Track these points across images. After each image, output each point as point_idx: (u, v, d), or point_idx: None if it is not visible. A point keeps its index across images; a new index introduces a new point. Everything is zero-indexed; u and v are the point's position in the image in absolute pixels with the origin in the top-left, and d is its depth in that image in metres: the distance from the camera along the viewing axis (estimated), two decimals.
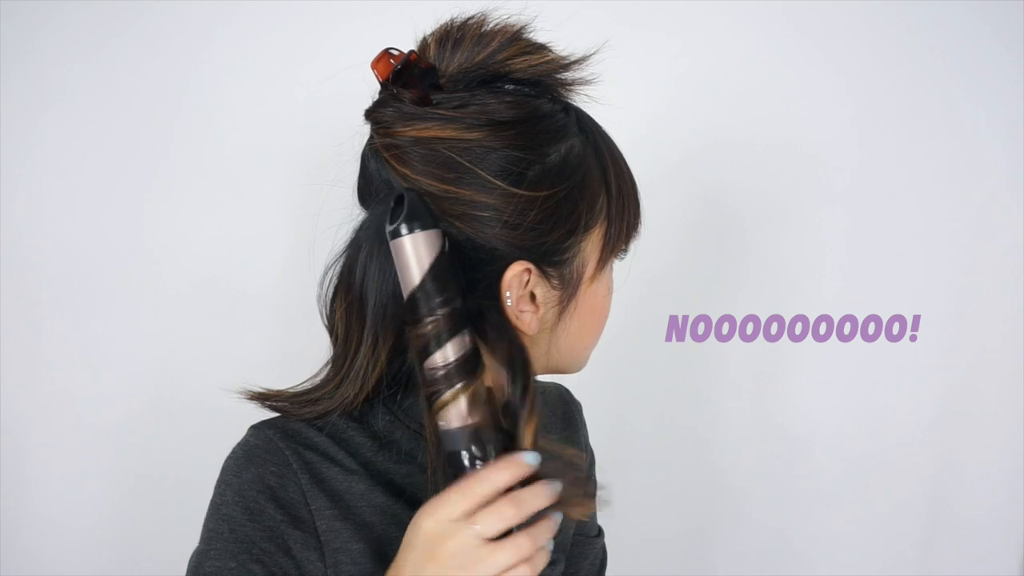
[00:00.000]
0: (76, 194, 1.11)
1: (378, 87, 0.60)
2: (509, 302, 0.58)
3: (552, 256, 0.58)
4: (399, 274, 0.56)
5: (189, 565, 0.59)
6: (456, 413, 0.54)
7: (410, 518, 0.55)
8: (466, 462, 0.54)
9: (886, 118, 1.15)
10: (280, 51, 1.11)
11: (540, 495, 0.53)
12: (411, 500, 0.61)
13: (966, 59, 1.14)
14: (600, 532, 0.81)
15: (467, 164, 0.55)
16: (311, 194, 1.05)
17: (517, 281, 0.58)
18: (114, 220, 1.12)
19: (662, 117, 1.11)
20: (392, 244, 0.55)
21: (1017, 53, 1.12)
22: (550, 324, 0.61)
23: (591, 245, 0.61)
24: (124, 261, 1.12)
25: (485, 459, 0.54)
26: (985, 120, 1.15)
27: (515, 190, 0.55)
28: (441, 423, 0.55)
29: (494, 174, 0.55)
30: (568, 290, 0.60)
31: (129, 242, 1.12)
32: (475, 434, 0.54)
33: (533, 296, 0.59)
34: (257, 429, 0.61)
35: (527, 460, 0.53)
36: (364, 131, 0.62)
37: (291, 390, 0.63)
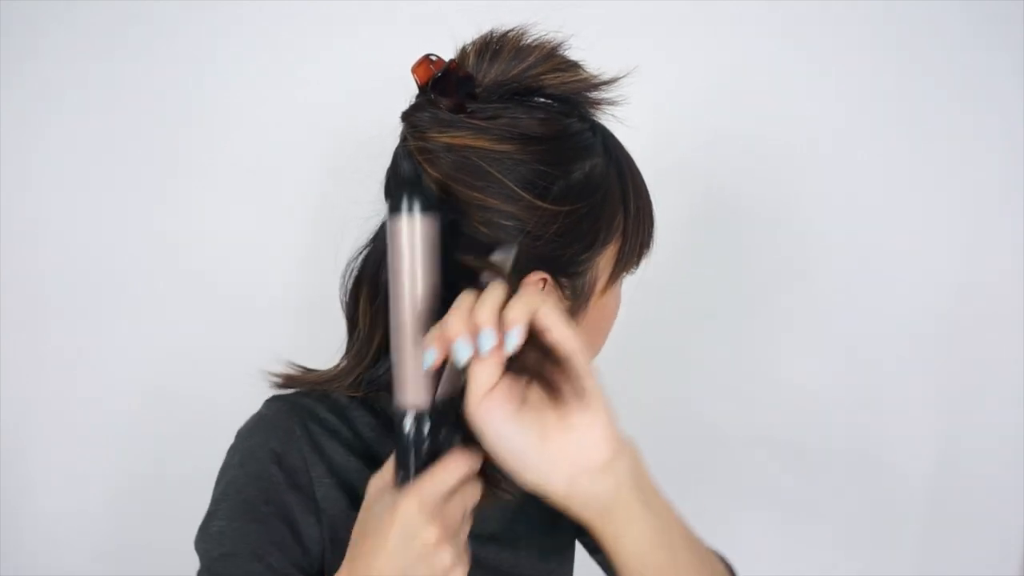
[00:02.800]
0: (79, 193, 1.12)
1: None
2: None
3: (568, 268, 0.61)
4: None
5: (201, 524, 0.62)
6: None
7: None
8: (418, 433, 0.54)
9: (887, 118, 1.16)
10: (288, 51, 1.11)
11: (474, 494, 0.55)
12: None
13: (967, 59, 1.14)
14: None
15: (495, 174, 0.58)
16: (313, 193, 1.06)
17: (533, 289, 0.60)
18: (115, 219, 1.13)
19: (662, 116, 1.11)
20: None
21: (1017, 52, 1.13)
22: None
23: (605, 260, 0.63)
24: (125, 260, 1.13)
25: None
26: (985, 120, 1.15)
27: (539, 203, 0.58)
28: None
29: (520, 186, 0.58)
30: (579, 301, 0.63)
31: (129, 241, 1.13)
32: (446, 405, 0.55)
33: None
34: (270, 401, 0.66)
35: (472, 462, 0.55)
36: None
37: (312, 371, 0.67)
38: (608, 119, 0.66)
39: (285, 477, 0.61)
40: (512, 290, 0.51)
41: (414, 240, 0.53)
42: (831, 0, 1.13)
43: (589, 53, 0.64)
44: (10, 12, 1.06)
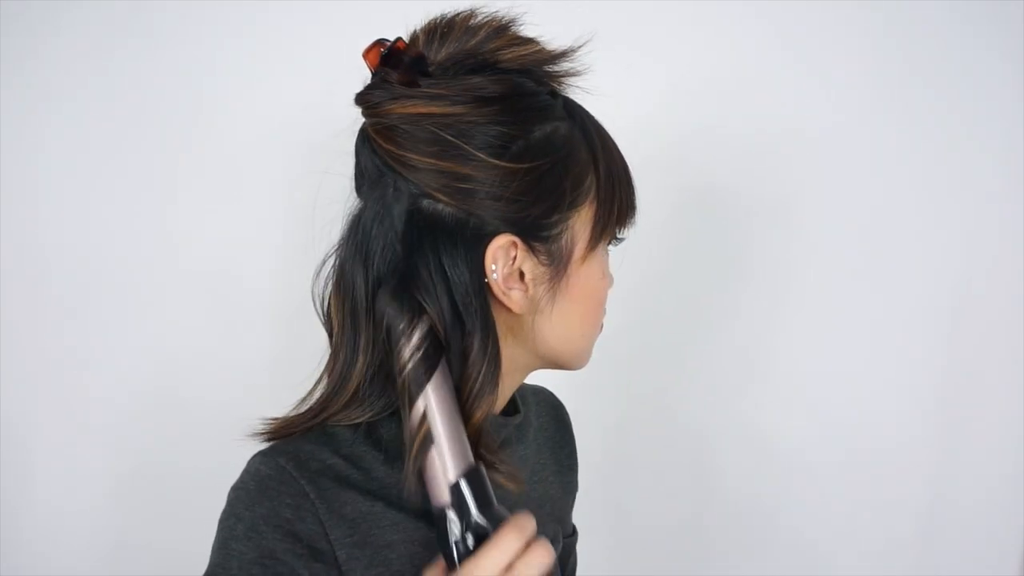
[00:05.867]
0: (77, 193, 1.13)
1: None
2: (495, 275, 0.58)
3: (539, 231, 0.59)
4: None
5: None
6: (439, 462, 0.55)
7: (427, 533, 0.58)
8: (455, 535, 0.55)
9: (886, 114, 1.14)
10: (276, 50, 1.13)
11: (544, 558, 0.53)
12: (427, 514, 0.60)
13: (966, 54, 1.13)
14: (574, 531, 0.81)
15: (450, 138, 0.57)
16: (309, 191, 1.07)
17: (503, 254, 0.58)
18: (113, 219, 1.13)
19: (655, 107, 1.12)
20: None
21: (1017, 48, 1.12)
22: (543, 306, 0.61)
23: (580, 223, 0.61)
24: (126, 260, 1.14)
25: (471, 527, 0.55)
26: (985, 116, 1.13)
27: (495, 161, 0.57)
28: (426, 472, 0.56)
29: (476, 147, 0.57)
30: (556, 267, 0.61)
31: (129, 241, 1.14)
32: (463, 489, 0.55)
33: (522, 275, 0.60)
34: (267, 457, 0.59)
35: (529, 525, 0.54)
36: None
37: (295, 414, 0.63)
38: (576, 93, 0.65)
39: (303, 548, 0.56)
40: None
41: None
42: None
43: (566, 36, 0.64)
44: (11, 12, 1.09)
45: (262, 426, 0.62)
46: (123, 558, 1.15)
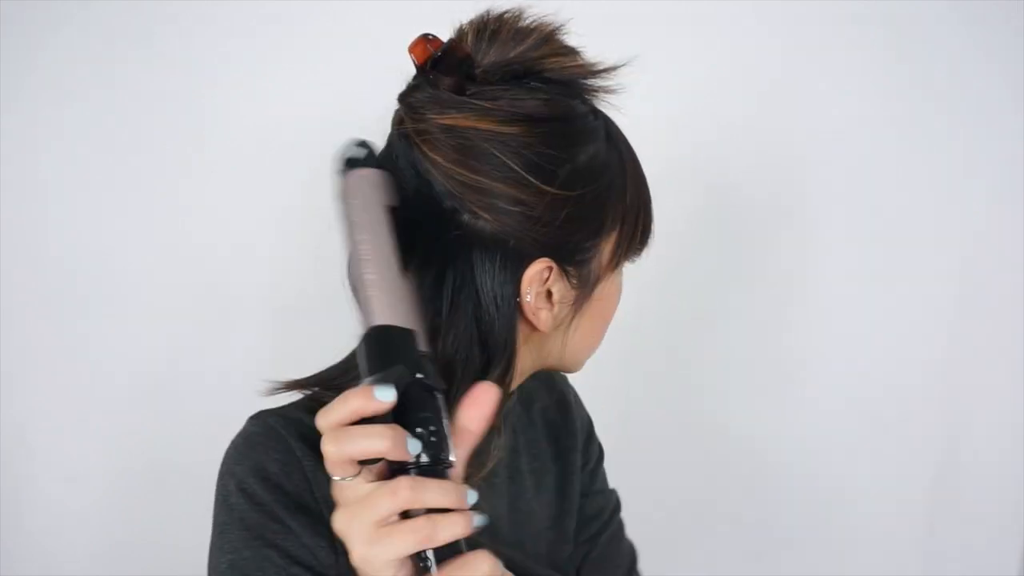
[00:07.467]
0: (77, 193, 1.11)
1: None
2: (529, 299, 0.58)
3: (574, 256, 0.59)
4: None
5: (209, 562, 0.59)
6: None
7: None
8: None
9: (897, 117, 1.17)
10: (279, 50, 1.11)
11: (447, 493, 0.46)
12: None
13: (969, 57, 1.16)
14: (616, 504, 0.83)
15: (500, 157, 0.55)
16: (311, 191, 1.03)
17: (538, 278, 0.58)
18: (114, 219, 1.11)
19: (666, 113, 1.11)
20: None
21: (1017, 48, 1.15)
22: (562, 323, 0.62)
23: (607, 246, 0.62)
24: (125, 259, 1.12)
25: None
26: (987, 119, 1.16)
27: (547, 188, 0.56)
28: None
29: (526, 169, 0.56)
30: (584, 290, 0.61)
31: (129, 240, 1.12)
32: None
33: (550, 294, 0.60)
34: (257, 417, 0.61)
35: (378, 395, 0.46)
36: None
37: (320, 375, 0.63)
38: (605, 107, 0.64)
39: (289, 500, 0.57)
40: None
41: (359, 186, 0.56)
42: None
43: (586, 40, 0.63)
44: (11, 12, 1.07)
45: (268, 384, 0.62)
46: (123, 557, 1.13)
